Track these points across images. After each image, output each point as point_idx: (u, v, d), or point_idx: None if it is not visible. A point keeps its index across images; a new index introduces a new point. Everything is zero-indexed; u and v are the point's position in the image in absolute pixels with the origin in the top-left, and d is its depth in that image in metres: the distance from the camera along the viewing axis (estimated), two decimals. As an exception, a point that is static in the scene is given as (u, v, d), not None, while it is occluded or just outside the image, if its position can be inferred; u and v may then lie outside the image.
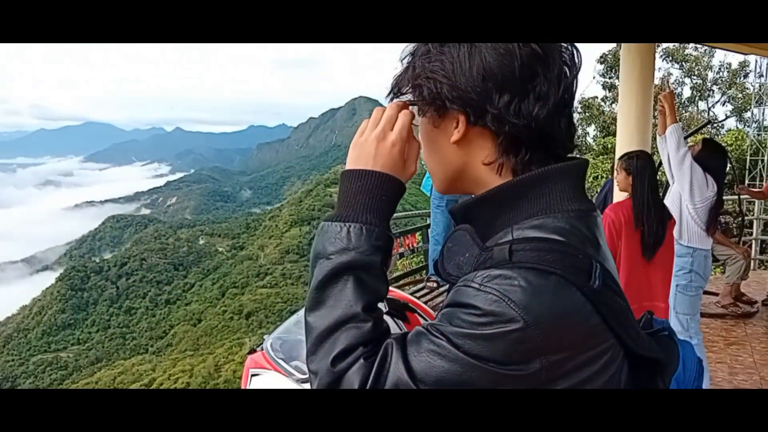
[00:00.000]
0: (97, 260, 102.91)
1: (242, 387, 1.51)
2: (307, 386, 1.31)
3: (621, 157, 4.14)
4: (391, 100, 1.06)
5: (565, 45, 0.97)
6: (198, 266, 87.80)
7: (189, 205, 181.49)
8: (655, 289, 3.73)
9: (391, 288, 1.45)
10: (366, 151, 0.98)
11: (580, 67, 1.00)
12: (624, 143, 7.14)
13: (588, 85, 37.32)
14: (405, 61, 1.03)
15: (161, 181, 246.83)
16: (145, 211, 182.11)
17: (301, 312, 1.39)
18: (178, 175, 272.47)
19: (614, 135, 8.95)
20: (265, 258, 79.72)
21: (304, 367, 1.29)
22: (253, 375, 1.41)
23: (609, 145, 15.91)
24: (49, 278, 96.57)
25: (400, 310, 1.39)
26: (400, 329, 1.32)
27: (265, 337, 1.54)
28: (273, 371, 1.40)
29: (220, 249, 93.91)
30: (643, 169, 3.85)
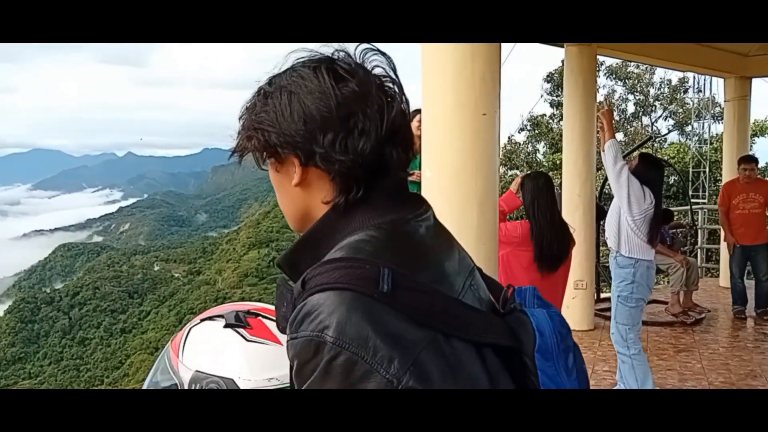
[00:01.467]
0: (48, 291, 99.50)
1: None
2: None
3: (522, 177, 4.36)
4: (234, 156, 1.13)
5: (388, 78, 1.03)
6: (153, 293, 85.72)
7: (143, 231, 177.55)
8: (552, 301, 3.93)
9: (233, 303, 1.60)
10: None
11: (405, 100, 1.05)
12: (570, 159, 7.39)
13: (536, 102, 38.42)
14: (242, 119, 1.09)
15: (113, 207, 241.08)
16: (98, 239, 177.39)
17: (163, 355, 1.58)
18: (131, 200, 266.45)
19: (561, 151, 9.22)
20: (223, 282, 78.45)
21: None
22: None
23: (558, 161, 16.35)
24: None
25: (240, 318, 1.48)
26: (243, 337, 1.45)
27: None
28: None
29: (176, 275, 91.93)
30: (539, 189, 4.03)
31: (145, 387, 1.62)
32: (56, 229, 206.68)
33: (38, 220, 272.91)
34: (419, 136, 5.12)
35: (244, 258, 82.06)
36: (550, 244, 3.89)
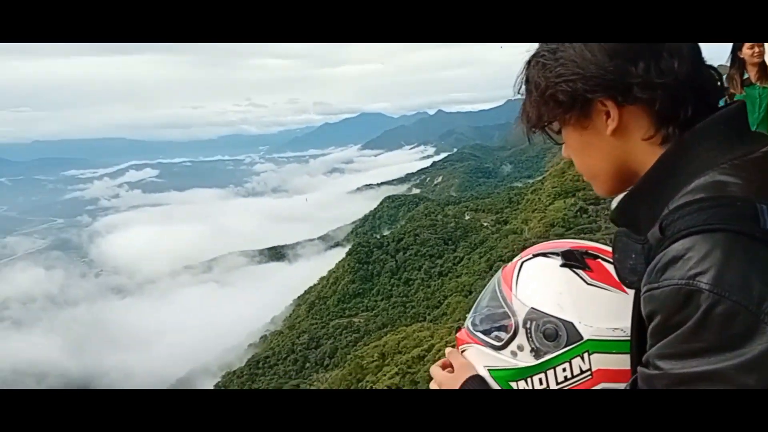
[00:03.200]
0: (378, 236, 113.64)
1: None
2: (503, 353, 1.37)
3: None
4: (535, 130, 1.09)
5: None
6: (465, 240, 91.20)
7: (454, 183, 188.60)
8: None
9: (565, 240, 1.50)
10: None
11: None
12: None
13: None
14: (522, 92, 1.06)
15: (428, 162, 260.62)
16: (416, 191, 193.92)
17: (491, 284, 1.55)
18: (443, 155, 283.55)
19: None
20: (529, 231, 79.45)
21: (502, 335, 1.37)
22: (462, 351, 1.49)
23: None
24: (340, 253, 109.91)
25: (578, 258, 1.39)
26: (583, 279, 1.36)
27: (467, 315, 1.62)
28: (476, 344, 1.46)
29: (485, 224, 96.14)
30: None
31: (471, 314, 1.61)
32: (382, 183, 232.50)
33: (368, 175, 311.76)
34: (756, 64, 4.81)
35: (549, 208, 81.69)
36: None
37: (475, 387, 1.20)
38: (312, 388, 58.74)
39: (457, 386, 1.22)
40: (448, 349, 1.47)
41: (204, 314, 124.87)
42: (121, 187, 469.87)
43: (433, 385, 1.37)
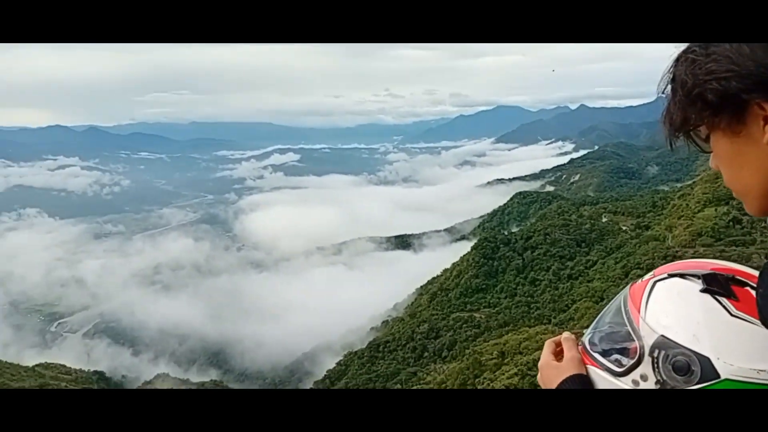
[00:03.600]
0: (506, 233, 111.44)
1: None
2: (623, 381, 1.25)
3: None
4: (679, 135, 0.98)
5: None
6: (600, 244, 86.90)
7: (592, 182, 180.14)
8: None
9: (707, 260, 1.32)
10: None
11: None
12: None
13: None
14: (667, 91, 0.95)
15: (565, 159, 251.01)
16: (550, 188, 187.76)
17: (617, 301, 1.42)
18: (582, 152, 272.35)
19: None
20: (673, 240, 73.79)
21: (624, 360, 1.25)
22: None
23: None
24: (465, 247, 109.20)
25: (723, 285, 1.21)
26: (727, 310, 1.19)
27: (584, 330, 1.51)
28: (591, 366, 1.37)
29: (624, 228, 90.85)
30: None
31: (591, 330, 1.49)
32: (514, 179, 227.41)
33: (500, 170, 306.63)
34: None
35: (698, 215, 75.25)
36: None
37: (574, 387, 1.13)
38: (429, 377, 59.08)
39: (558, 380, 1.15)
40: (566, 334, 1.38)
41: (331, 294, 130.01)
42: (265, 168, 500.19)
43: (540, 366, 1.31)
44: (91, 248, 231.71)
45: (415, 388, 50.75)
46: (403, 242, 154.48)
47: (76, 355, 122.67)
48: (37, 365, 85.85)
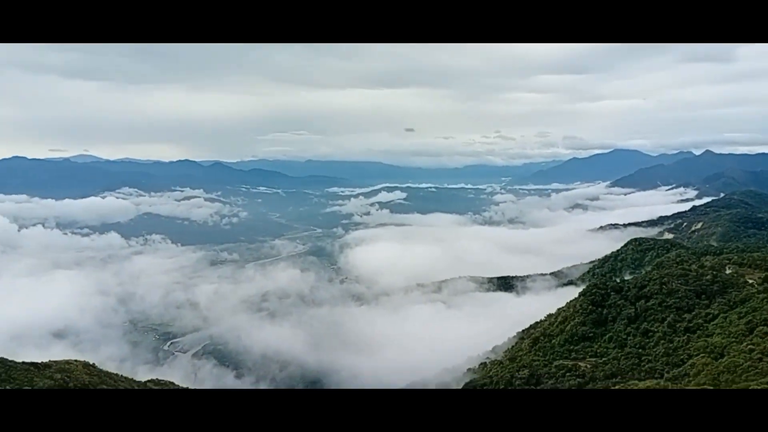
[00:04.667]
0: (618, 280, 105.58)
1: None
2: None
3: None
4: None
5: None
6: (723, 297, 79.77)
7: (716, 231, 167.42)
8: None
9: None
10: None
11: None
12: None
13: None
14: None
15: (686, 206, 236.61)
16: (668, 236, 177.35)
17: None
18: (705, 199, 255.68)
19: None
20: (812, 296, 66.22)
21: None
22: None
23: None
24: (572, 292, 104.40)
25: None
26: None
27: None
28: None
29: (750, 281, 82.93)
30: None
31: None
32: (629, 224, 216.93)
33: (614, 214, 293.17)
34: None
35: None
36: None
37: None
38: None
39: None
40: None
41: (429, 332, 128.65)
42: (372, 205, 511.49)
43: None
44: (207, 274, 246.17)
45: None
46: (505, 284, 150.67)
47: (185, 374, 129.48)
48: (148, 380, 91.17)
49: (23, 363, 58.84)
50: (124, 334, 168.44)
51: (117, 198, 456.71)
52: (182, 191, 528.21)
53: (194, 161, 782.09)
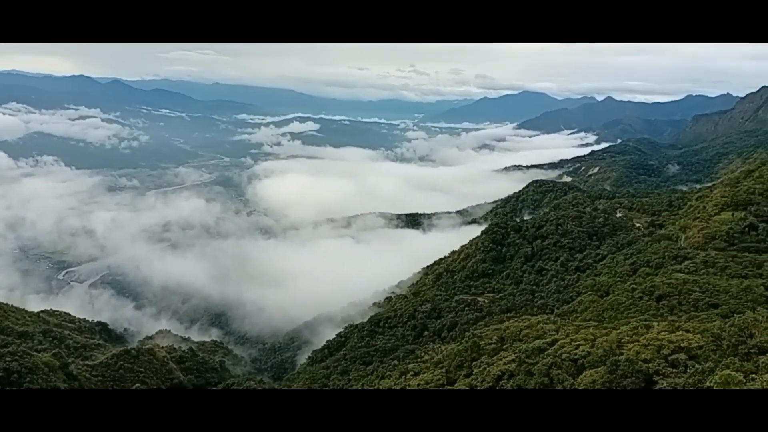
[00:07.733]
0: (518, 220, 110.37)
1: None
2: None
3: None
4: None
5: None
6: (612, 239, 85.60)
7: (611, 176, 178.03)
8: None
9: None
10: None
11: None
12: None
13: None
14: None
15: (585, 150, 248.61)
16: (567, 179, 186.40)
17: None
18: (604, 145, 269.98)
19: None
20: (685, 241, 72.30)
21: None
22: None
23: None
24: (475, 230, 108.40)
25: None
26: None
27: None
28: None
29: (638, 224, 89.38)
30: None
31: None
32: (532, 166, 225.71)
33: (518, 156, 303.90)
34: None
35: (714, 218, 73.61)
36: None
37: None
38: (426, 356, 58.67)
39: None
40: None
41: (337, 266, 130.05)
42: (284, 136, 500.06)
43: None
44: (104, 200, 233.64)
45: (414, 387, 50.31)
46: (413, 221, 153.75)
47: (81, 304, 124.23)
48: (42, 311, 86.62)
49: None
50: (14, 262, 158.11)
51: (3, 114, 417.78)
52: (77, 110, 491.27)
53: (90, 77, 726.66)
